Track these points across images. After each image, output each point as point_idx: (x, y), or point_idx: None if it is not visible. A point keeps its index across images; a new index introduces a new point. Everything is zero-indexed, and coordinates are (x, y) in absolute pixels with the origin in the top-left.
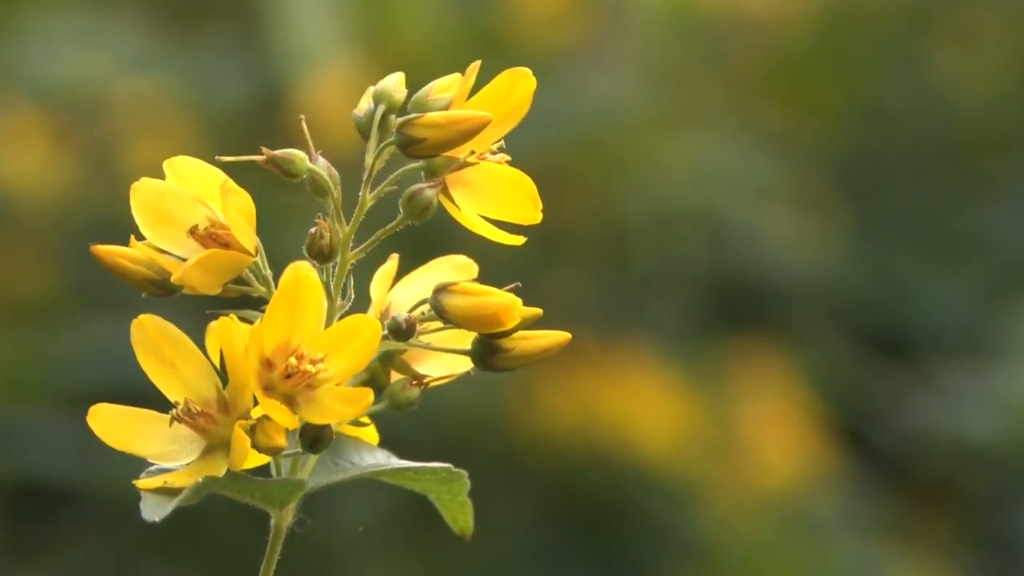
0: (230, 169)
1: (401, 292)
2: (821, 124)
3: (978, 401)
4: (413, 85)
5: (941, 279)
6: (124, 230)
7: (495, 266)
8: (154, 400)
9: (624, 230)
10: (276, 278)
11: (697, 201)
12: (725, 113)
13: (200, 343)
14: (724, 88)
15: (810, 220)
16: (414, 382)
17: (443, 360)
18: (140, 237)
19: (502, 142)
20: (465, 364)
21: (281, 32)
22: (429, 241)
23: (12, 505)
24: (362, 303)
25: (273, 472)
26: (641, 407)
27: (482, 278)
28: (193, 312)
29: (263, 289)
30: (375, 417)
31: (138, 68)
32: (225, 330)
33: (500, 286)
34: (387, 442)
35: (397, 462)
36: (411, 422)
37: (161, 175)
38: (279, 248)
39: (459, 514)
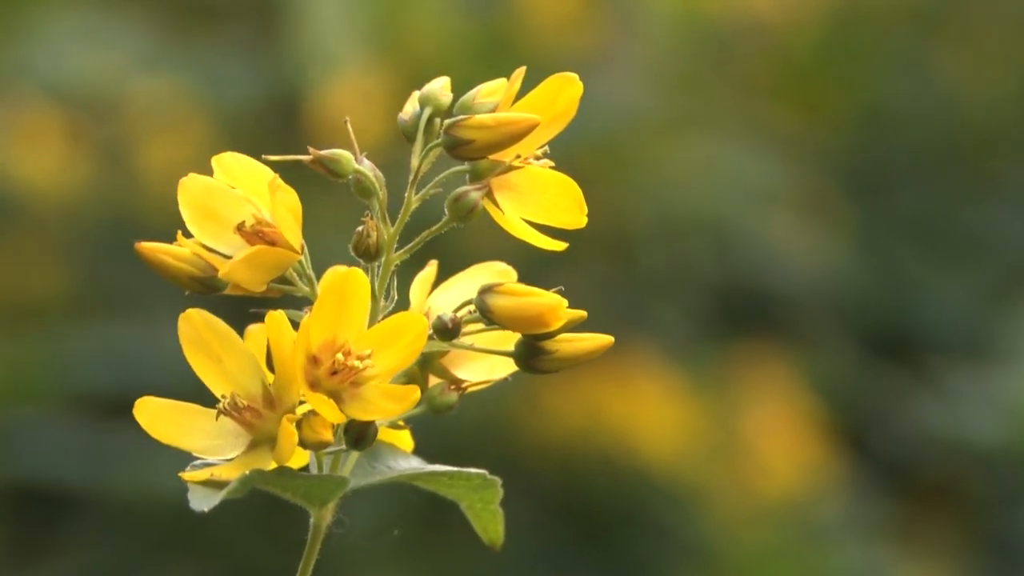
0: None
1: (440, 297)
2: (827, 127)
3: (982, 404)
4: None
5: (946, 282)
6: (136, 228)
7: None
8: None
9: (630, 234)
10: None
11: (703, 205)
12: (732, 117)
13: None
14: (731, 92)
15: (816, 224)
16: (452, 386)
17: (481, 364)
18: (154, 237)
19: (546, 147)
20: (503, 369)
21: (297, 34)
22: (430, 245)
23: (16, 508)
24: (403, 306)
25: (313, 471)
26: (645, 411)
27: None
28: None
29: (306, 289)
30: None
31: (150, 68)
32: (274, 325)
33: None
34: None
35: (432, 467)
36: (415, 424)
37: (174, 174)
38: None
39: (490, 523)
